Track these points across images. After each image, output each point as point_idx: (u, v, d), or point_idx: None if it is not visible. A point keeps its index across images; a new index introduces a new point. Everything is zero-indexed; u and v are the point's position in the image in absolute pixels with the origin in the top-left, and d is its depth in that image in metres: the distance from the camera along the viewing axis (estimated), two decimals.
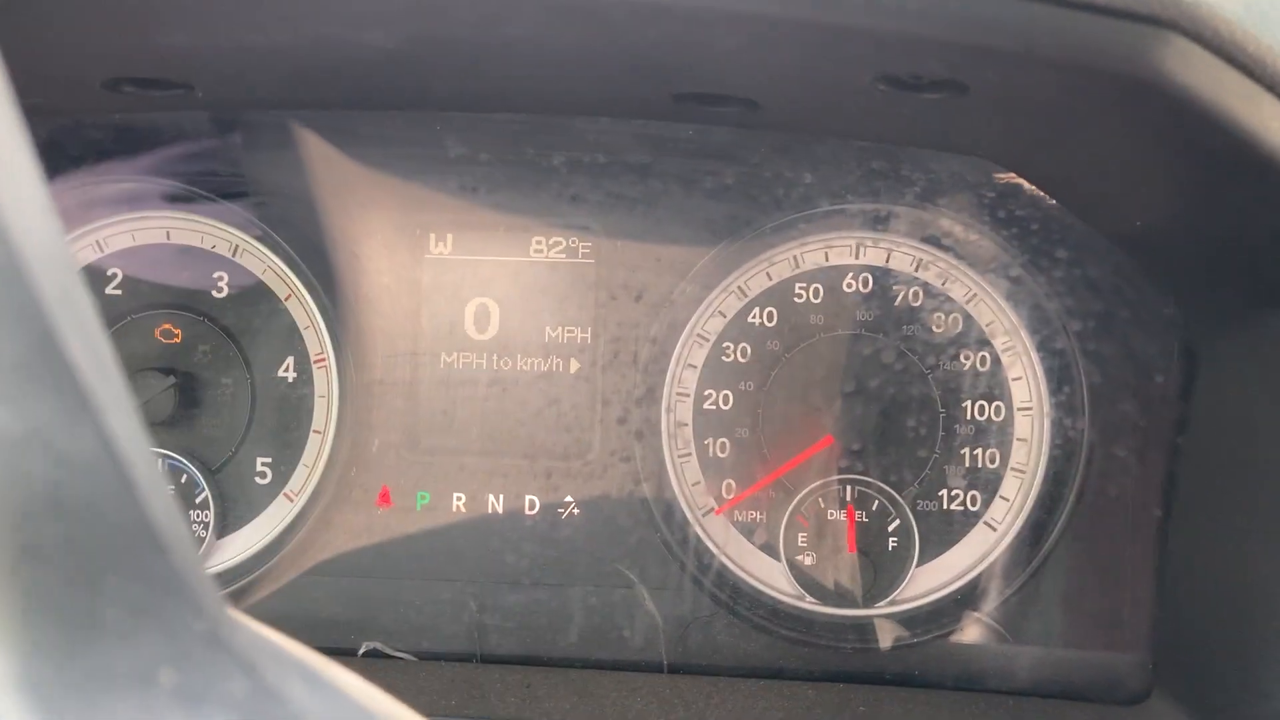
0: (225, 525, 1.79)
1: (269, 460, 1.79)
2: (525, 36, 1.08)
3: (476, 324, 1.78)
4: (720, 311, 1.76)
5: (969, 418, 1.72)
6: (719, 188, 1.72)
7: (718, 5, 0.91)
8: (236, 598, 1.77)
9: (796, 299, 1.75)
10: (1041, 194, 1.61)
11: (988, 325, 1.73)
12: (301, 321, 1.79)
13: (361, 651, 1.72)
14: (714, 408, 1.76)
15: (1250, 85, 0.98)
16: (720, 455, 1.76)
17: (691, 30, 1.01)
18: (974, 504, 1.72)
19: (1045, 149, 1.35)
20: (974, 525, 1.72)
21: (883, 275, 1.74)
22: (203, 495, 1.76)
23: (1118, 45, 0.97)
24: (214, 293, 1.80)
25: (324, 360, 1.79)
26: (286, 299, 1.79)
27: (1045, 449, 1.71)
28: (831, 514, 1.73)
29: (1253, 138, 1.00)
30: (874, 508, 1.72)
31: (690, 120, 1.59)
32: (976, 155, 1.52)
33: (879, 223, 1.73)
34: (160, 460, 1.76)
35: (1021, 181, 1.62)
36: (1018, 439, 1.72)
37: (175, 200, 1.79)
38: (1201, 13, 0.95)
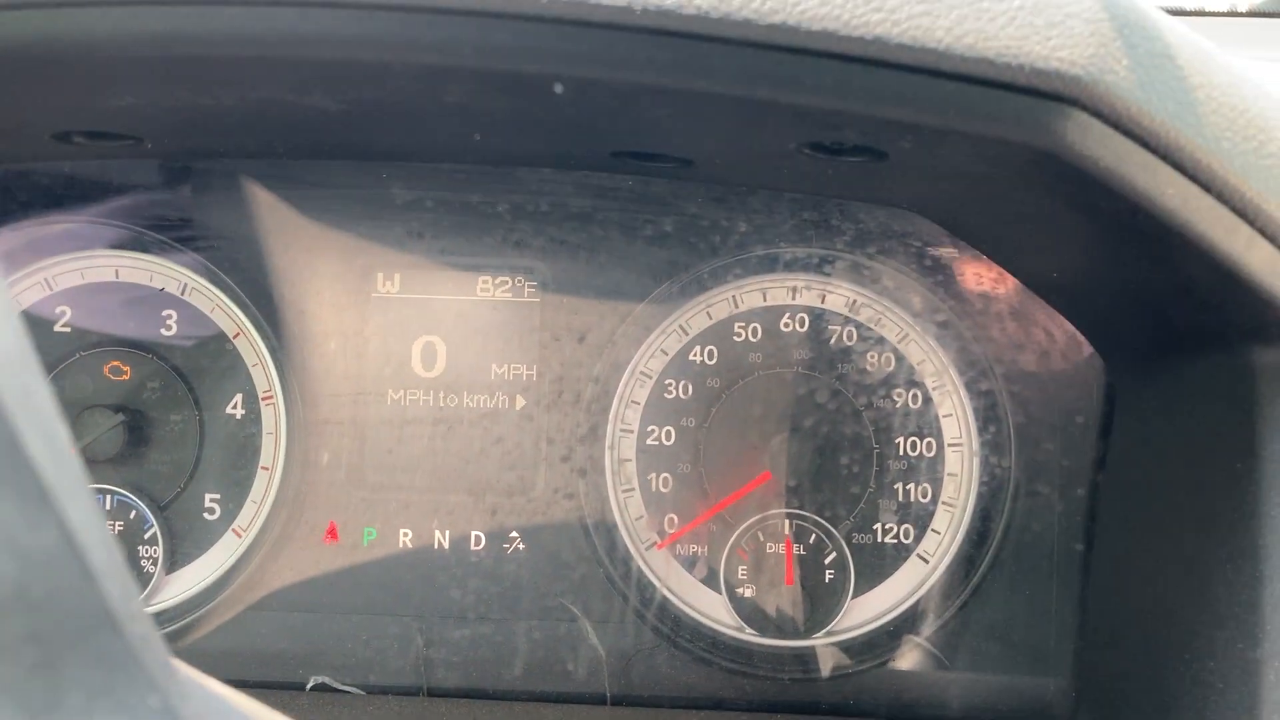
0: (174, 561, 1.80)
1: (217, 496, 1.81)
2: (464, 102, 1.13)
3: (424, 362, 1.81)
4: (662, 349, 1.80)
5: (901, 453, 1.78)
6: (658, 234, 1.77)
7: (645, 80, 0.96)
8: (185, 633, 1.79)
9: (736, 338, 1.80)
10: (965, 244, 1.68)
11: (919, 364, 1.78)
12: (250, 359, 1.82)
13: (309, 686, 1.74)
14: (656, 444, 1.80)
15: (1146, 155, 1.05)
16: (663, 490, 1.80)
17: (623, 101, 1.06)
18: (907, 537, 1.78)
19: (965, 207, 1.42)
20: (907, 558, 1.78)
21: (818, 316, 1.79)
22: (151, 531, 1.78)
23: (1025, 120, 1.03)
24: (163, 331, 1.81)
25: (272, 398, 1.81)
26: (235, 337, 1.82)
27: (974, 484, 1.77)
28: (770, 547, 1.78)
29: (1150, 202, 1.07)
30: (811, 541, 1.77)
31: (628, 173, 1.64)
32: (902, 208, 1.59)
33: (811, 269, 1.79)
34: (109, 496, 1.78)
35: (946, 233, 1.68)
36: (948, 474, 1.78)
37: (123, 247, 1.81)
38: (1100, 90, 1.02)
